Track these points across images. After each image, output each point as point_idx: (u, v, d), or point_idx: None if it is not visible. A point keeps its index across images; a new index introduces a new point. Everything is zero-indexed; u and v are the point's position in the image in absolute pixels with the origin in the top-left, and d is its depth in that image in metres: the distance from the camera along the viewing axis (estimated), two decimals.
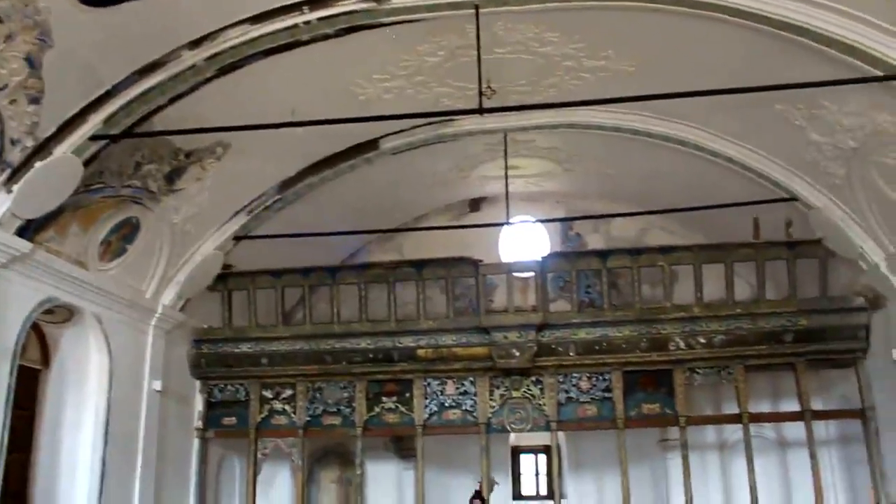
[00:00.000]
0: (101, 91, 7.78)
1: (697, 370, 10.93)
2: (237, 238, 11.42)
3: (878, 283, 9.94)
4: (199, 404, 11.85)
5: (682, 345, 10.83)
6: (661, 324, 10.89)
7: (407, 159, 11.51)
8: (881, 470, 10.26)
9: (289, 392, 11.69)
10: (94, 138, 8.01)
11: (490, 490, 11.96)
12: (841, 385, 11.42)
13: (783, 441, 12.39)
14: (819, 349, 10.71)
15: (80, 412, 9.62)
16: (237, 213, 11.19)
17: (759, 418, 11.15)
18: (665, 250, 11.19)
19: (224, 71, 8.30)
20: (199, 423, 11.78)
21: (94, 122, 7.90)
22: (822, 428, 11.50)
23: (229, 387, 11.87)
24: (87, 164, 8.14)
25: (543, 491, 15.03)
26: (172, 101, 8.41)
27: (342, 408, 11.52)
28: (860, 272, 10.18)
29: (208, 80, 8.35)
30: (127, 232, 9.64)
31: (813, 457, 10.47)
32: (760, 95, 8.36)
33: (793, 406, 11.00)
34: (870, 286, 10.19)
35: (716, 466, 12.60)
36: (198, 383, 11.88)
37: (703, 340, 10.82)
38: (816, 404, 11.13)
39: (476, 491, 11.54)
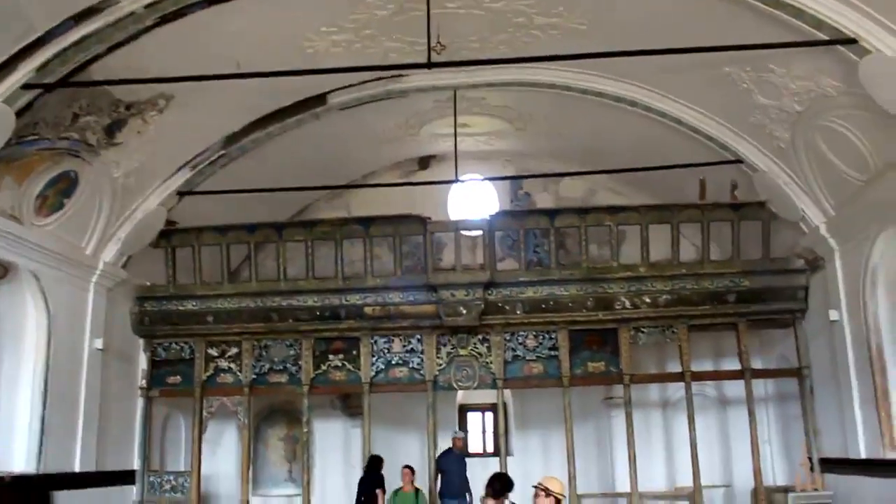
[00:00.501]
0: (34, 37, 7.43)
1: (642, 329, 11.09)
2: (181, 193, 11.16)
3: (817, 245, 10.16)
4: (142, 363, 11.67)
5: (627, 304, 10.98)
6: (608, 283, 11.00)
7: (355, 115, 11.30)
8: (814, 426, 10.63)
9: (234, 350, 11.56)
10: (26, 87, 7.69)
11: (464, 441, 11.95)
12: (779, 345, 11.74)
13: (723, 399, 12.62)
14: (760, 309, 10.98)
15: (18, 371, 9.37)
16: (180, 168, 10.92)
17: (701, 377, 11.36)
18: (613, 210, 11.25)
19: (166, 19, 7.99)
20: (142, 382, 11.59)
21: (25, 71, 7.57)
22: (760, 386, 11.75)
23: (174, 345, 11.70)
24: (19, 114, 7.82)
25: (490, 448, 15.04)
26: (111, 49, 8.07)
27: (289, 366, 11.45)
28: (801, 234, 10.41)
29: (149, 28, 8.02)
30: (64, 186, 9.31)
31: (751, 414, 10.78)
32: (710, 57, 8.43)
33: (733, 365, 11.28)
34: (809, 248, 10.42)
35: (658, 424, 12.80)
36: (141, 342, 11.68)
37: (648, 300, 10.98)
38: (756, 363, 11.42)
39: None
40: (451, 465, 11.42)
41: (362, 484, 10.90)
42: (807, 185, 9.79)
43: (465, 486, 11.43)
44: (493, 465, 11.24)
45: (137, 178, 10.30)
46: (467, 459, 11.68)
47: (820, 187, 9.61)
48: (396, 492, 10.77)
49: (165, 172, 10.80)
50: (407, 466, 10.76)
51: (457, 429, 12.48)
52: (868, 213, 8.95)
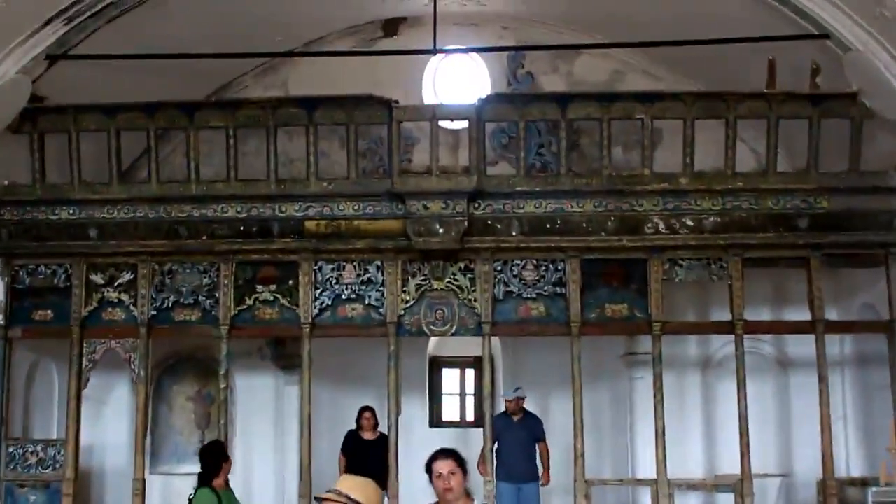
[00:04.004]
0: None
1: (680, 261, 10.65)
2: (51, 57, 10.38)
3: None
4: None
5: (661, 227, 10.49)
6: (636, 197, 10.48)
7: None
8: None
9: (127, 276, 10.99)
10: None
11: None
12: (864, 291, 11.50)
13: (784, 360, 12.59)
14: (841, 240, 10.52)
15: None
16: (51, 20, 10.00)
17: (756, 328, 11.10)
18: (646, 98, 10.57)
19: None
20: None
21: None
22: (835, 344, 11.60)
23: (42, 268, 11.09)
24: None
25: (470, 416, 15.18)
26: None
27: (201, 298, 10.94)
28: None
29: None
30: None
31: (822, 380, 10.39)
32: None
33: (801, 315, 10.89)
34: None
35: (696, 389, 12.73)
36: None
37: (689, 223, 10.49)
38: (831, 314, 11.08)
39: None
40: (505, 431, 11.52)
41: None
42: None
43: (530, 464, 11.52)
44: (476, 439, 11.07)
45: None
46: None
47: None
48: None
49: (29, 26, 9.85)
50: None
51: (517, 387, 12.26)
52: None
